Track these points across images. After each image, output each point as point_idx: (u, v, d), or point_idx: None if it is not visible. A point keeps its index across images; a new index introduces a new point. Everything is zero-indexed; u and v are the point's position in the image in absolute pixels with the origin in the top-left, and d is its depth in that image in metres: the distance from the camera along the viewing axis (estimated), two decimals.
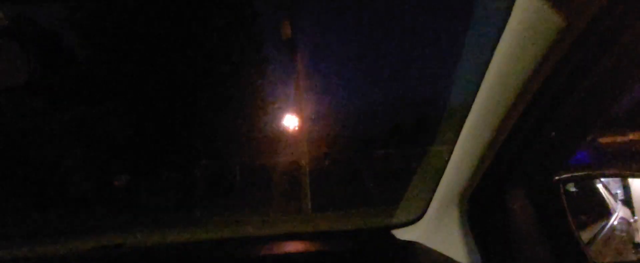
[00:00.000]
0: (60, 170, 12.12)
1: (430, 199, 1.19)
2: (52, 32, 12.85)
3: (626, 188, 1.69)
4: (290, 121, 13.41)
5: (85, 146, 12.28)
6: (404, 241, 1.29)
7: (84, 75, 12.70)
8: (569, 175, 1.18)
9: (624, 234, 1.51)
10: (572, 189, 1.38)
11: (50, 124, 11.69)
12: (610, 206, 1.59)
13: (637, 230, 1.55)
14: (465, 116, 0.94)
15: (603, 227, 1.43)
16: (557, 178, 1.11)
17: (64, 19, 12.94)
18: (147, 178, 15.28)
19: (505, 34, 0.76)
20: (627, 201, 1.64)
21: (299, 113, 11.60)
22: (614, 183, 1.75)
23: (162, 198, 13.79)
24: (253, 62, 15.55)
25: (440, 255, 1.13)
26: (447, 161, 1.06)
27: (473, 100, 0.90)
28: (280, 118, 14.47)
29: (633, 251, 1.46)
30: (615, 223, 1.52)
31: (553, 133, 0.93)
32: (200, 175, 17.88)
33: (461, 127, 0.96)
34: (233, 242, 1.63)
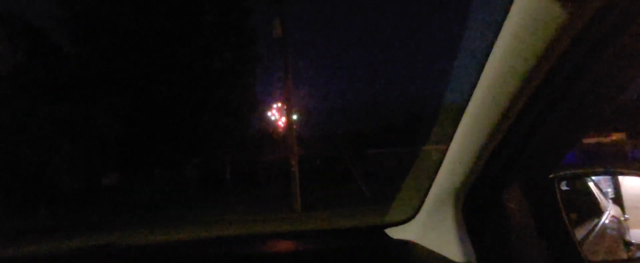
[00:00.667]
0: (51, 168, 11.95)
1: (425, 197, 1.18)
2: (43, 26, 12.65)
3: (616, 187, 1.71)
4: (281, 120, 13.39)
5: (77, 144, 12.12)
6: (398, 240, 1.28)
7: (74, 72, 12.53)
8: (563, 173, 1.18)
9: (615, 232, 1.52)
10: (564, 187, 1.39)
11: (42, 123, 11.51)
12: (602, 204, 1.60)
13: (628, 229, 1.56)
14: (461, 114, 0.93)
15: (595, 225, 1.44)
16: (552, 175, 1.11)
17: (57, 13, 12.75)
18: (138, 176, 15.14)
19: (502, 34, 0.75)
20: (618, 200, 1.66)
21: (290, 111, 11.57)
22: (605, 182, 1.76)
23: (153, 197, 13.69)
24: (244, 61, 15.47)
25: (435, 253, 1.12)
26: (441, 159, 1.06)
27: (469, 98, 0.89)
28: (270, 117, 14.44)
29: (624, 249, 1.47)
30: (607, 221, 1.53)
31: (548, 134, 0.93)
32: (190, 173, 17.76)
33: (456, 125, 0.96)
34: (223, 241, 1.61)
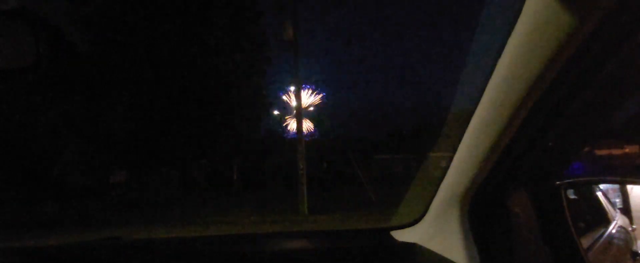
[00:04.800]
0: (60, 164, 12.11)
1: (431, 201, 1.19)
2: (55, 24, 12.83)
3: (625, 197, 1.69)
4: (289, 123, 13.43)
5: (86, 141, 12.27)
6: (403, 242, 1.29)
7: (84, 70, 12.69)
8: (570, 180, 1.18)
9: (621, 242, 1.51)
10: (572, 196, 1.38)
11: (51, 119, 11.67)
12: (609, 214, 1.59)
13: (635, 239, 1.55)
14: (468, 120, 0.94)
15: (601, 235, 1.43)
16: (558, 182, 1.11)
17: (70, 11, 12.94)
18: (146, 175, 15.25)
19: (510, 41, 0.76)
20: (626, 210, 1.65)
21: (299, 115, 11.59)
22: (613, 192, 1.75)
23: (160, 196, 13.77)
24: (254, 63, 15.56)
25: (440, 256, 1.13)
26: (448, 164, 1.07)
27: (476, 105, 0.90)
28: (279, 119, 14.49)
29: (630, 259, 1.46)
30: (614, 231, 1.52)
31: (555, 141, 0.93)
32: (198, 173, 17.84)
33: (464, 130, 0.97)
34: (229, 239, 1.62)
